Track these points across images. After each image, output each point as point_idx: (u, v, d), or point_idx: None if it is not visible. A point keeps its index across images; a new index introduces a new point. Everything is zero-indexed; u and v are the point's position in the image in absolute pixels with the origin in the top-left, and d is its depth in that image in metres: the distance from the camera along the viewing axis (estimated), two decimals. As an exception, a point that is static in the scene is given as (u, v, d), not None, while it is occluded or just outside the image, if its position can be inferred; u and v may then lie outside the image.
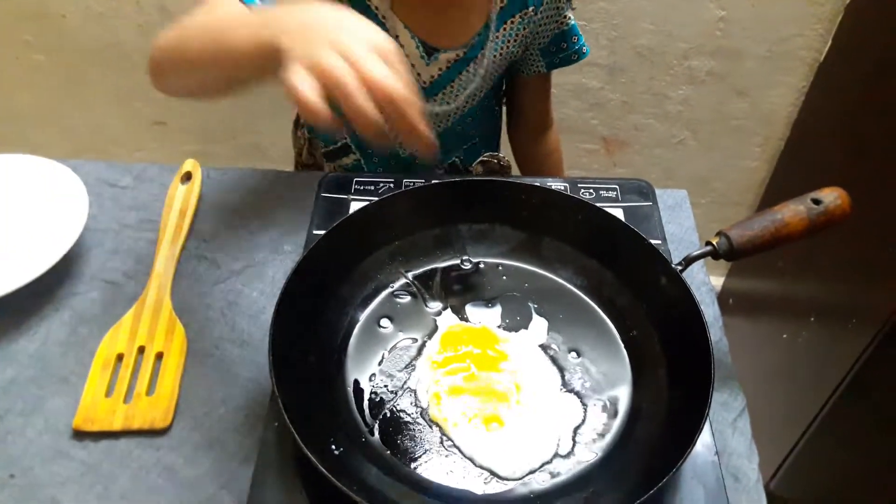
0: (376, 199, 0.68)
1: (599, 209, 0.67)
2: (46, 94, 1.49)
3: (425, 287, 0.67)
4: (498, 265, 0.69)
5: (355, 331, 0.63)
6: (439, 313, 0.65)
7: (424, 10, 0.80)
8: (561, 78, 1.38)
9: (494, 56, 0.84)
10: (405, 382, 0.59)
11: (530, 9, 0.84)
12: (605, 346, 0.62)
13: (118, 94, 1.45)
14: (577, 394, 0.59)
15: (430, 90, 0.85)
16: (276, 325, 0.54)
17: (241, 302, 0.70)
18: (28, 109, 1.52)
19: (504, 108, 1.02)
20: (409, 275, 0.67)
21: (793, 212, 0.62)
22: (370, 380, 0.59)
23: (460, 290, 0.67)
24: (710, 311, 0.69)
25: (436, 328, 0.63)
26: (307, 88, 0.46)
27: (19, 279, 0.65)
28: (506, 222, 0.70)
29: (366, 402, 0.58)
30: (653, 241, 0.65)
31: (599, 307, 0.65)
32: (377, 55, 0.49)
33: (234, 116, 1.48)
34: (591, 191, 0.78)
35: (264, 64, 0.52)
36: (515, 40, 0.85)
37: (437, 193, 0.70)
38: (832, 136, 1.29)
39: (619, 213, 0.74)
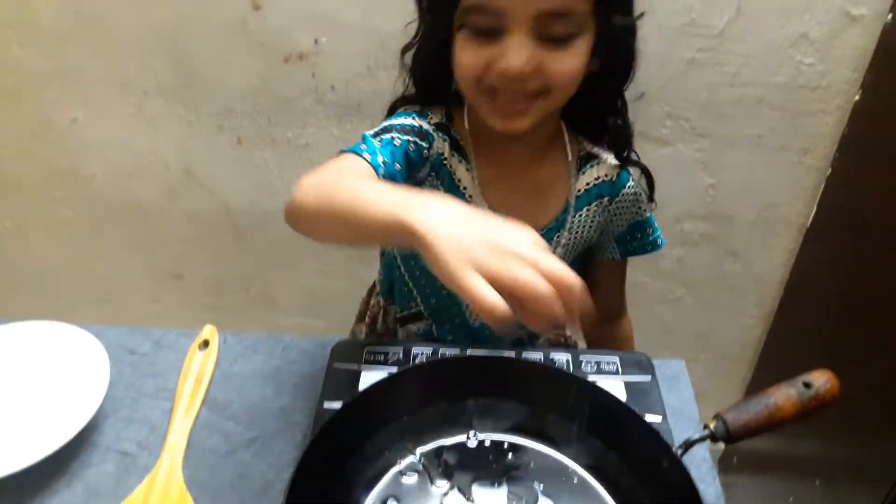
0: (387, 371, 0.70)
1: (601, 389, 0.69)
2: (69, 246, 1.56)
3: (432, 465, 0.68)
4: (504, 442, 0.71)
5: (363, 514, 0.64)
6: (446, 493, 0.66)
7: (511, 195, 0.85)
8: (561, 237, 1.45)
9: (571, 238, 0.87)
10: (412, 568, 0.59)
11: (605, 199, 0.88)
12: (610, 530, 0.63)
13: (138, 247, 1.52)
14: (583, 582, 0.59)
15: None
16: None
17: (250, 475, 0.71)
18: (50, 259, 1.59)
19: None
20: (417, 451, 0.69)
21: (785, 395, 0.65)
22: (377, 564, 0.60)
23: (467, 468, 0.68)
24: (712, 490, 0.70)
25: (442, 509, 0.64)
26: (494, 298, 0.48)
27: (36, 454, 0.66)
28: (512, 397, 0.72)
29: (372, 589, 0.58)
30: (654, 418, 0.67)
31: (605, 489, 0.66)
32: (541, 249, 0.51)
33: (247, 269, 1.54)
34: (593, 364, 0.81)
35: (393, 240, 0.57)
36: (591, 226, 0.88)
37: (447, 368, 0.73)
38: (824, 296, 1.34)
39: (620, 388, 0.77)
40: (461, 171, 0.84)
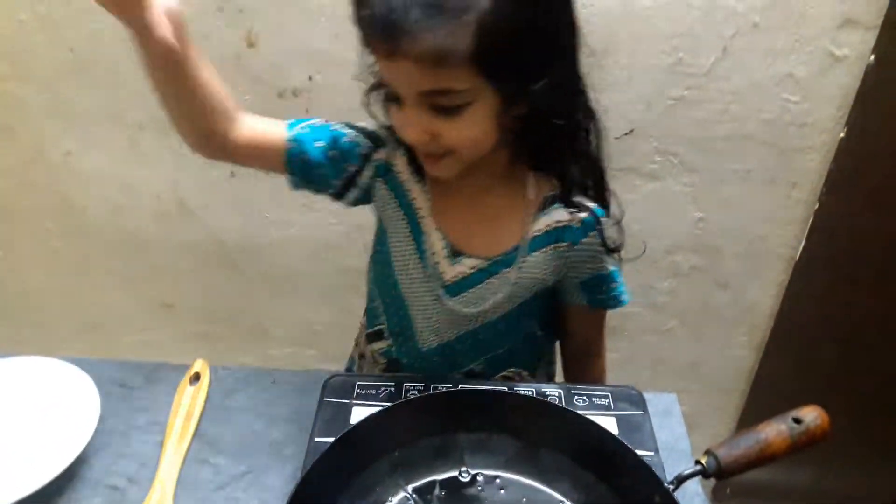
0: (378, 405, 0.71)
1: (593, 423, 0.69)
2: (60, 276, 1.56)
3: (424, 501, 0.68)
4: (496, 477, 0.71)
5: (354, 549, 0.63)
6: (438, 529, 0.65)
7: (463, 222, 0.86)
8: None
9: (522, 277, 0.86)
10: None
11: (565, 244, 0.85)
12: (603, 568, 0.63)
13: (129, 277, 1.52)
14: None
15: (451, 288, 0.86)
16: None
17: (241, 511, 0.71)
18: (41, 289, 1.58)
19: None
20: (409, 487, 0.69)
21: (775, 431, 0.65)
22: None
23: (459, 503, 0.68)
24: (705, 525, 0.70)
25: (434, 545, 0.64)
26: None
27: (25, 488, 0.66)
28: (503, 431, 0.72)
29: None
30: (645, 453, 0.67)
31: (596, 524, 0.66)
32: None
33: (239, 300, 1.54)
34: (585, 398, 0.81)
35: None
36: (546, 269, 0.86)
37: (439, 402, 0.73)
38: (814, 327, 1.35)
39: (612, 422, 0.77)
40: (417, 192, 0.86)
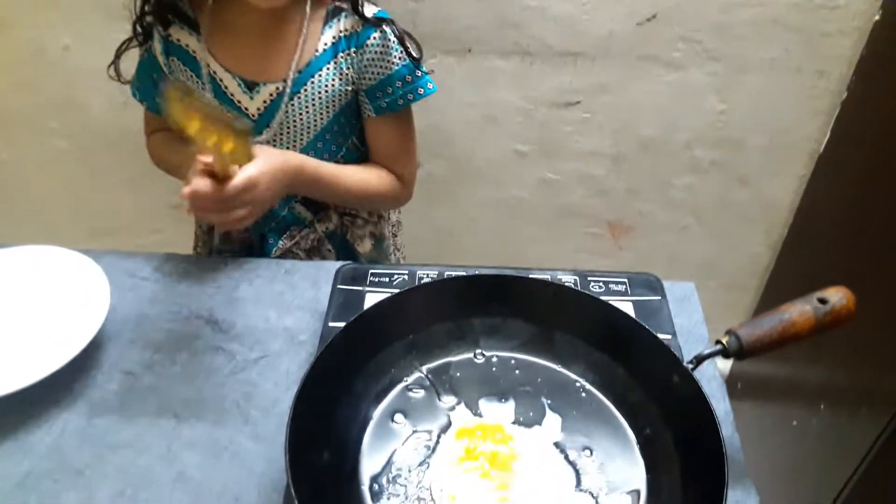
0: (391, 293, 0.69)
1: (610, 305, 0.68)
2: (66, 179, 1.53)
3: (439, 381, 0.68)
4: (511, 359, 0.70)
5: (370, 426, 0.63)
6: (453, 408, 0.65)
7: (238, 48, 0.91)
8: (566, 165, 1.42)
9: (320, 92, 0.91)
10: (419, 481, 0.59)
11: (352, 49, 0.90)
12: (619, 445, 0.63)
13: (135, 178, 1.49)
14: (592, 494, 0.59)
15: (260, 121, 0.92)
16: (293, 423, 0.55)
17: (256, 394, 0.71)
18: (47, 192, 1.57)
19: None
20: (424, 368, 0.68)
21: (800, 311, 0.63)
22: (385, 477, 0.60)
23: (474, 384, 0.67)
24: (721, 406, 0.69)
25: (449, 423, 0.64)
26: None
27: (39, 372, 0.66)
28: (518, 316, 0.71)
29: (381, 500, 0.58)
30: (663, 336, 0.66)
31: (612, 404, 0.66)
32: None
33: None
34: (601, 284, 0.80)
35: None
36: (340, 79, 0.91)
37: (451, 288, 0.72)
38: (834, 224, 1.32)
39: (628, 308, 0.76)
40: (187, 39, 0.91)
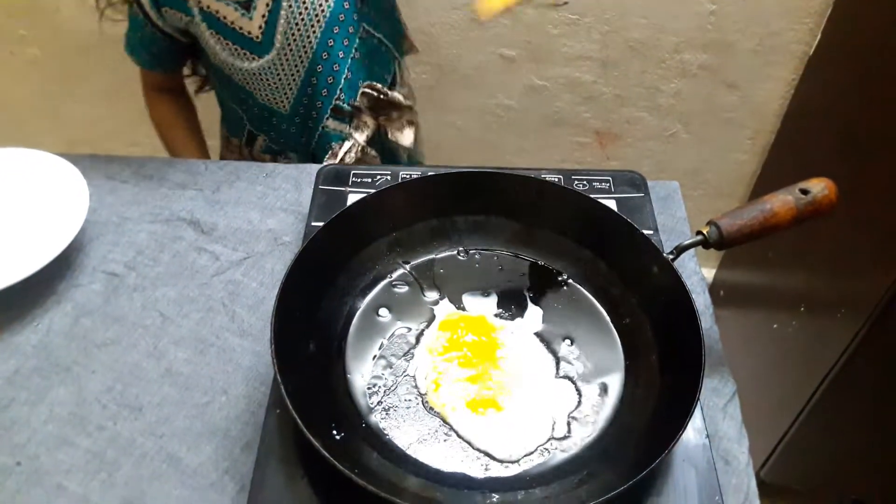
0: (373, 191, 0.69)
1: (592, 200, 0.68)
2: (42, 89, 1.49)
3: (422, 277, 0.68)
4: (494, 255, 0.70)
5: (354, 320, 0.64)
6: (436, 303, 0.66)
7: None
8: (553, 71, 1.39)
9: None
10: (404, 370, 0.60)
11: None
12: (599, 334, 0.64)
13: (113, 88, 1.45)
14: (572, 380, 0.60)
15: (265, 41, 0.91)
16: (278, 314, 0.55)
17: (242, 293, 0.71)
18: (23, 103, 1.53)
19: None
20: (408, 265, 0.69)
21: (781, 201, 0.63)
22: (370, 367, 0.61)
23: (457, 279, 0.68)
24: (701, 300, 0.70)
25: (433, 317, 0.65)
26: None
27: (21, 272, 0.66)
28: (501, 213, 0.71)
29: (366, 389, 0.59)
30: (645, 232, 0.66)
31: (593, 296, 0.67)
32: None
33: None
34: (585, 182, 0.79)
35: None
36: None
37: (433, 185, 0.71)
38: (821, 128, 1.31)
39: (612, 205, 0.76)
40: None
